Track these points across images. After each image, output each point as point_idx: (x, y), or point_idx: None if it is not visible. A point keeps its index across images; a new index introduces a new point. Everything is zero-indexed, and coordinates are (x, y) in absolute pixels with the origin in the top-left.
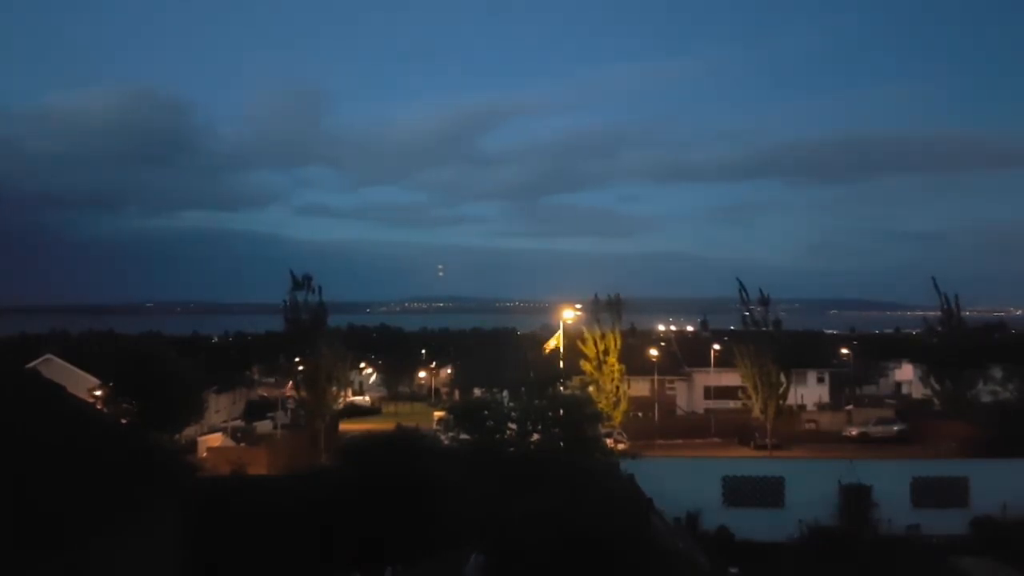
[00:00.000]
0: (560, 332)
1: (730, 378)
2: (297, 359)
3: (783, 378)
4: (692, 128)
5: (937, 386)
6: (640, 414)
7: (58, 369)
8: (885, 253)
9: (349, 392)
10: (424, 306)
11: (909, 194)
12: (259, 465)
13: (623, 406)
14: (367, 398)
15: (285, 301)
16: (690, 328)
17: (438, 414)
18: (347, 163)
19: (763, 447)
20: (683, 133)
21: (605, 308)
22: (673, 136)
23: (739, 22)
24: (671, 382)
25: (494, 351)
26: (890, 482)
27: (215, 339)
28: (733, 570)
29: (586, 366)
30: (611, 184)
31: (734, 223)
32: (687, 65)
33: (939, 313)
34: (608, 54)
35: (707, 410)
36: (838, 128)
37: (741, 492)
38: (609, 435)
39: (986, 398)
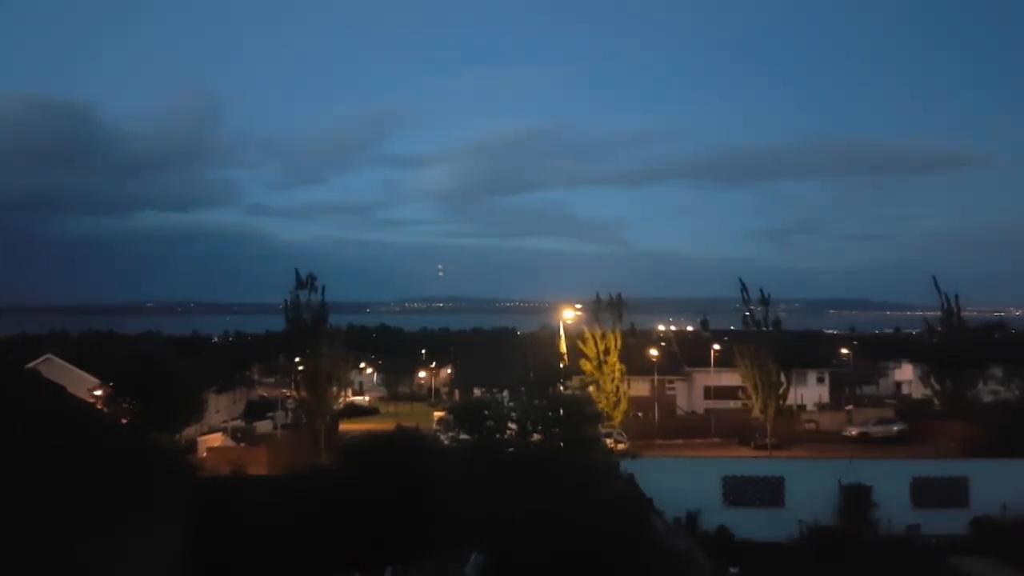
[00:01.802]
0: (561, 333)
1: (730, 378)
2: (297, 359)
3: (783, 378)
4: (598, 130)
5: (937, 386)
6: (640, 414)
7: (58, 369)
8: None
9: (349, 392)
10: (424, 306)
11: (800, 197)
12: (259, 465)
13: (623, 406)
14: (366, 398)
15: (286, 301)
16: (690, 328)
17: (438, 414)
18: (269, 165)
19: (763, 447)
20: (590, 135)
21: (605, 308)
22: (582, 138)
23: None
24: (671, 382)
25: (494, 351)
26: (890, 482)
27: (215, 339)
28: (733, 570)
29: (586, 366)
30: (541, 185)
31: (661, 222)
32: (577, 68)
33: (939, 313)
34: (492, 56)
35: (707, 410)
36: (737, 133)
37: (741, 492)
38: (609, 435)
39: (987, 398)
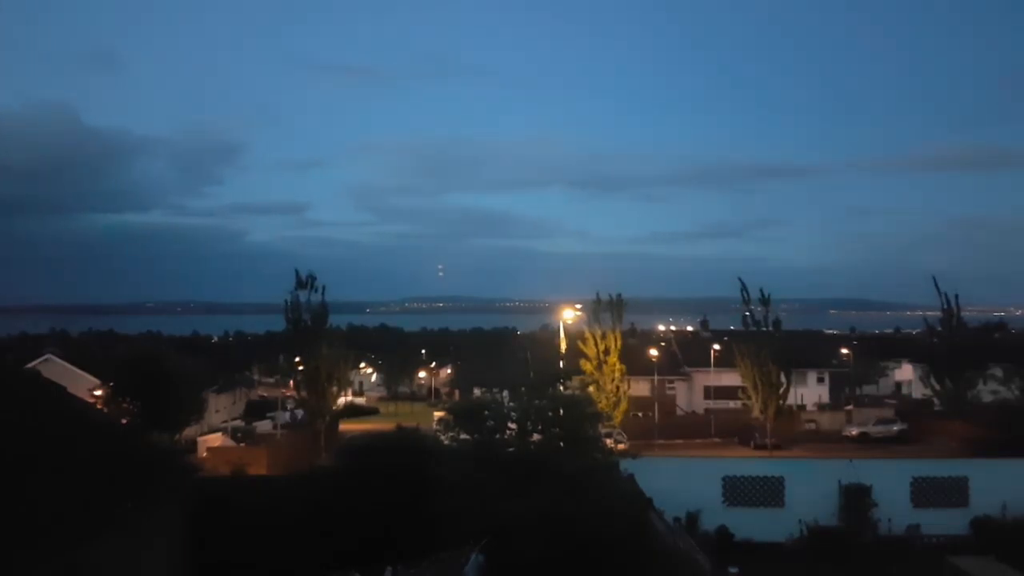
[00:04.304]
0: (561, 332)
1: (730, 378)
2: (297, 359)
3: (783, 378)
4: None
5: (937, 386)
6: (640, 414)
7: (58, 369)
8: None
9: (349, 392)
10: (424, 306)
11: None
12: (259, 465)
13: (623, 406)
14: (364, 398)
15: (286, 301)
16: (690, 328)
17: (438, 414)
18: (158, 166)
19: (763, 447)
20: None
21: (605, 308)
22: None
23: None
24: (671, 382)
25: (494, 351)
26: (890, 482)
27: (215, 339)
28: (733, 570)
29: (586, 366)
30: (441, 189)
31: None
32: (446, 75)
33: (939, 313)
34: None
35: (707, 410)
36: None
37: (741, 492)
38: (609, 435)
39: (987, 398)
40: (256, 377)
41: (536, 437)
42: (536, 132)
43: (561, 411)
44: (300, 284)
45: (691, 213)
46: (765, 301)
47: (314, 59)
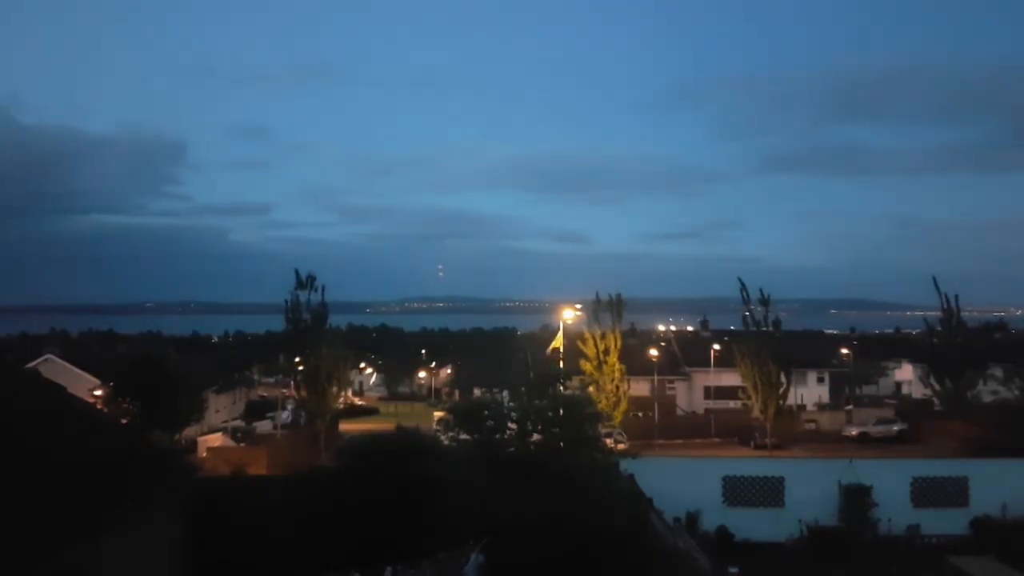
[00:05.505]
0: (560, 332)
1: (730, 378)
2: (297, 359)
3: (783, 378)
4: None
5: (937, 386)
6: (640, 414)
7: (58, 369)
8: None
9: (349, 392)
10: (424, 306)
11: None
12: (259, 465)
13: (623, 406)
14: (364, 398)
15: (286, 301)
16: (690, 328)
17: (438, 414)
18: (110, 166)
19: (763, 447)
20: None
21: (605, 308)
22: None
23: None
24: (671, 382)
25: (494, 351)
26: (890, 482)
27: (215, 339)
28: (733, 570)
29: (586, 366)
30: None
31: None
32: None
33: (939, 313)
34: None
35: (707, 410)
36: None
37: (741, 492)
38: (609, 435)
39: (987, 398)
40: (256, 377)
41: (536, 437)
42: (473, 137)
43: (561, 411)
44: (300, 284)
45: (658, 215)
46: (765, 301)
47: (228, 65)
